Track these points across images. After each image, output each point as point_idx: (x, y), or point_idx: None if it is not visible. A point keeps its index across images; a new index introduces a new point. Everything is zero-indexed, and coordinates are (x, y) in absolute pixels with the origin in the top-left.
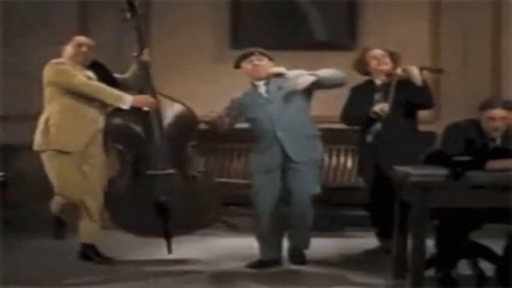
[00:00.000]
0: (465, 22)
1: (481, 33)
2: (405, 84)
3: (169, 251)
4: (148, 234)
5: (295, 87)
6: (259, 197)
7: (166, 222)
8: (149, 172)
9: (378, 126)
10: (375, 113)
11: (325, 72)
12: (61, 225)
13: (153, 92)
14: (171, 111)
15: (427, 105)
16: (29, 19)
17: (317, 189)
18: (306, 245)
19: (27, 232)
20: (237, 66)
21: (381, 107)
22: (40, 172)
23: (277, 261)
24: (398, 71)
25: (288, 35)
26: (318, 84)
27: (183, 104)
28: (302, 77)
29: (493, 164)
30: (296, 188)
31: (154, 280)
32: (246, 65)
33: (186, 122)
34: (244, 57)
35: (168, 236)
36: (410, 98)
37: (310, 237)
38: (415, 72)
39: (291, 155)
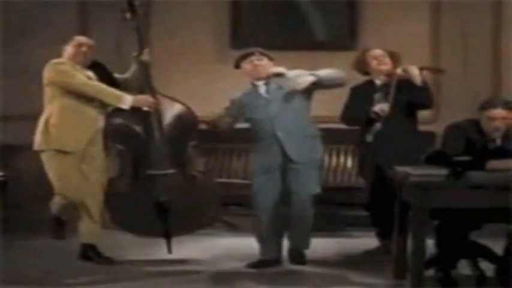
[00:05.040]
0: (465, 22)
1: (481, 33)
2: (405, 84)
3: (169, 251)
4: (149, 234)
5: (295, 87)
6: (258, 197)
7: (166, 222)
8: (149, 172)
9: (377, 126)
10: (375, 113)
11: (325, 72)
12: (60, 225)
13: (153, 92)
14: (171, 111)
15: (427, 105)
16: (29, 19)
17: (317, 190)
18: (306, 245)
19: (27, 232)
20: (237, 66)
21: (381, 107)
22: (40, 172)
23: (277, 261)
24: (398, 70)
25: (288, 35)
26: (318, 84)
27: (183, 104)
28: (302, 77)
29: (493, 164)
30: (296, 188)
31: (154, 280)
32: (246, 65)
33: (186, 122)
34: (244, 57)
35: (168, 236)
36: (410, 97)
37: (311, 237)
38: (414, 72)
39: (291, 155)
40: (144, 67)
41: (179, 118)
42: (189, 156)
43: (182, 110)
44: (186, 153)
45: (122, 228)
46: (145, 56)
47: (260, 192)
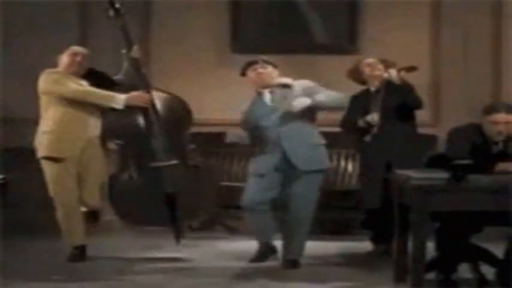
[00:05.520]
0: (465, 26)
1: (481, 37)
2: (394, 88)
3: (178, 241)
4: (158, 225)
5: (292, 108)
6: (245, 193)
7: (175, 212)
8: (153, 164)
9: (374, 129)
10: (366, 122)
11: (325, 96)
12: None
13: (147, 87)
14: (164, 103)
15: (414, 104)
16: (29, 20)
17: (316, 195)
18: (300, 254)
19: (27, 234)
20: (243, 74)
21: (372, 117)
22: (40, 175)
23: (272, 249)
24: (385, 75)
25: (289, 39)
26: (315, 107)
27: (174, 96)
28: (298, 99)
29: (503, 166)
30: (296, 195)
31: (154, 280)
32: (250, 73)
33: (180, 112)
34: (249, 65)
35: (176, 225)
36: (400, 99)
37: (305, 246)
38: (392, 73)
39: (296, 164)
40: (135, 64)
41: (172, 109)
42: (187, 146)
43: (173, 101)
44: (184, 143)
45: (129, 222)
46: (134, 53)
47: (248, 189)
